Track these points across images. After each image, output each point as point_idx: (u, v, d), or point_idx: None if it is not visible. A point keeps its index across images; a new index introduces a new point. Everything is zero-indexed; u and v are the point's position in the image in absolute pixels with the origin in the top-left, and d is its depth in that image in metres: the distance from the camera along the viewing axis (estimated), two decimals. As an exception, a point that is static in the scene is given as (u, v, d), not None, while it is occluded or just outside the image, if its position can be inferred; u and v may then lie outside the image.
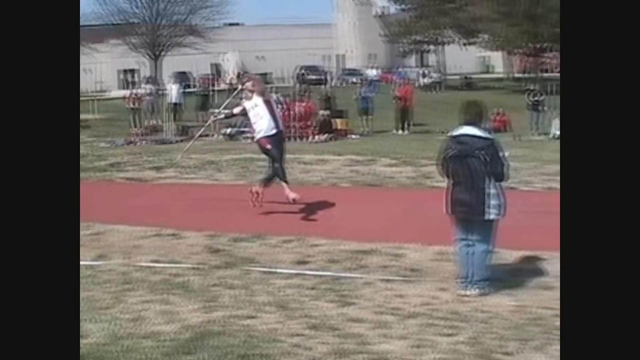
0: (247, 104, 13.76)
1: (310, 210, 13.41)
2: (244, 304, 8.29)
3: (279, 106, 30.16)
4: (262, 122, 13.34)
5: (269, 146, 13.29)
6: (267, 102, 13.57)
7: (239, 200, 14.56)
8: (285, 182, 13.25)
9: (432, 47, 77.68)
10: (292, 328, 7.41)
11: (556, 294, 8.67)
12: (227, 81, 66.45)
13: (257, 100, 13.48)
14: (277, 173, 13.29)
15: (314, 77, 63.43)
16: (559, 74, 67.15)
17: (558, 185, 15.34)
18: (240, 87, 15.71)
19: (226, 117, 17.20)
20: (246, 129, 29.16)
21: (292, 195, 13.02)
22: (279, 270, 9.76)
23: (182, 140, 28.67)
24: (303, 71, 69.31)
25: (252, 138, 27.69)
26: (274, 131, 13.29)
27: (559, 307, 8.14)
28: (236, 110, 14.69)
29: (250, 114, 13.62)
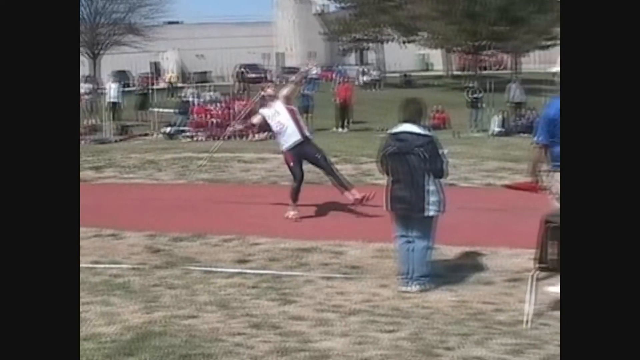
0: (266, 112, 13.04)
1: (250, 208, 13.40)
2: (185, 304, 8.25)
3: (218, 104, 30.20)
4: (286, 132, 12.70)
5: (292, 163, 12.73)
6: (290, 110, 12.88)
7: (179, 200, 14.52)
8: (294, 199, 12.71)
9: (371, 45, 77.98)
10: (233, 327, 7.39)
11: (496, 288, 8.80)
12: (167, 80, 66.21)
13: (279, 107, 12.85)
14: (291, 190, 12.76)
15: (253, 75, 63.33)
16: (497, 72, 67.96)
17: (497, 182, 15.54)
18: (261, 93, 14.56)
19: (246, 128, 15.67)
20: (186, 128, 29.12)
21: (291, 213, 12.62)
22: (219, 270, 9.72)
23: (121, 140, 28.48)
24: (243, 69, 69.14)
25: (192, 137, 27.93)
26: (298, 137, 12.65)
27: (498, 301, 8.26)
28: (255, 119, 13.74)
29: (272, 123, 12.90)
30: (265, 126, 13.60)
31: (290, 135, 12.66)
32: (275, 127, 12.84)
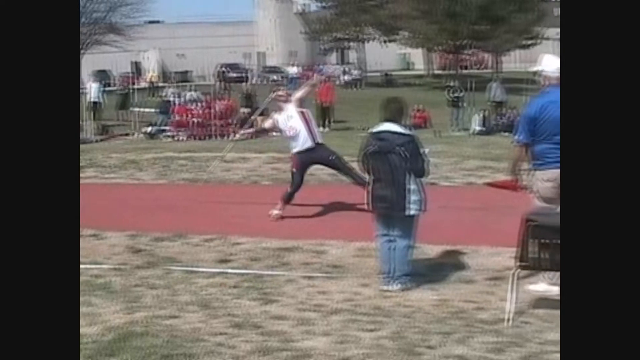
0: (278, 117, 12.76)
1: (231, 208, 13.38)
2: (167, 304, 8.24)
3: (199, 104, 30.14)
4: (299, 136, 12.44)
5: (295, 169, 12.56)
6: (302, 113, 12.59)
7: (160, 200, 14.48)
8: (285, 201, 12.53)
9: (352, 44, 78.01)
10: (215, 327, 7.38)
11: (477, 287, 8.82)
12: (148, 79, 66.05)
13: (291, 111, 12.57)
14: (285, 194, 12.56)
15: (234, 74, 63.34)
16: (478, 71, 68.19)
17: (478, 180, 15.55)
18: (271, 95, 14.07)
19: (257, 132, 15.09)
20: (167, 128, 29.05)
21: (275, 212, 12.48)
22: (201, 270, 9.72)
23: (102, 140, 28.39)
24: (224, 69, 69.17)
25: (173, 137, 27.88)
26: (310, 144, 12.42)
27: (480, 300, 8.28)
28: (267, 124, 13.46)
29: (285, 128, 12.65)
30: (276, 130, 13.38)
31: (303, 141, 12.45)
32: (288, 132, 12.60)
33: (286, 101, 12.82)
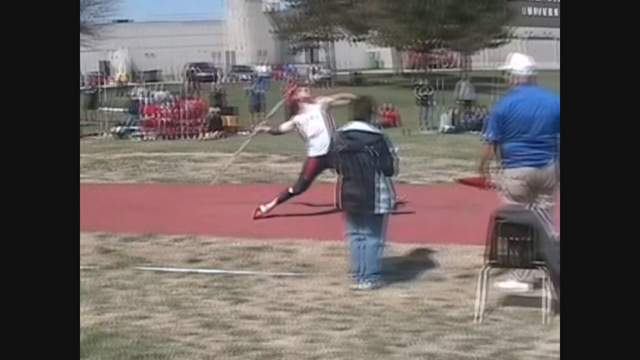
0: (300, 118, 12.28)
1: (201, 208, 13.35)
2: (137, 304, 8.20)
3: (168, 104, 30.09)
4: (319, 137, 11.94)
5: (306, 176, 12.20)
6: (328, 118, 12.09)
7: (129, 200, 14.42)
8: (278, 202, 12.27)
9: (322, 43, 78.16)
10: (185, 327, 7.36)
11: (446, 285, 8.85)
12: (116, 79, 65.80)
13: (315, 112, 12.16)
14: (281, 194, 12.27)
15: (203, 74, 63.19)
16: (447, 70, 68.54)
17: (447, 179, 15.61)
18: (288, 91, 13.48)
19: (272, 134, 14.53)
20: (136, 127, 28.97)
21: (263, 208, 12.23)
22: (170, 270, 9.69)
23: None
24: (193, 68, 68.97)
25: (142, 136, 27.81)
26: (327, 150, 11.59)
27: (449, 298, 8.31)
28: (284, 126, 12.88)
29: (305, 129, 12.16)
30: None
31: (323, 144, 11.79)
32: (309, 132, 12.14)
33: (309, 102, 12.47)
